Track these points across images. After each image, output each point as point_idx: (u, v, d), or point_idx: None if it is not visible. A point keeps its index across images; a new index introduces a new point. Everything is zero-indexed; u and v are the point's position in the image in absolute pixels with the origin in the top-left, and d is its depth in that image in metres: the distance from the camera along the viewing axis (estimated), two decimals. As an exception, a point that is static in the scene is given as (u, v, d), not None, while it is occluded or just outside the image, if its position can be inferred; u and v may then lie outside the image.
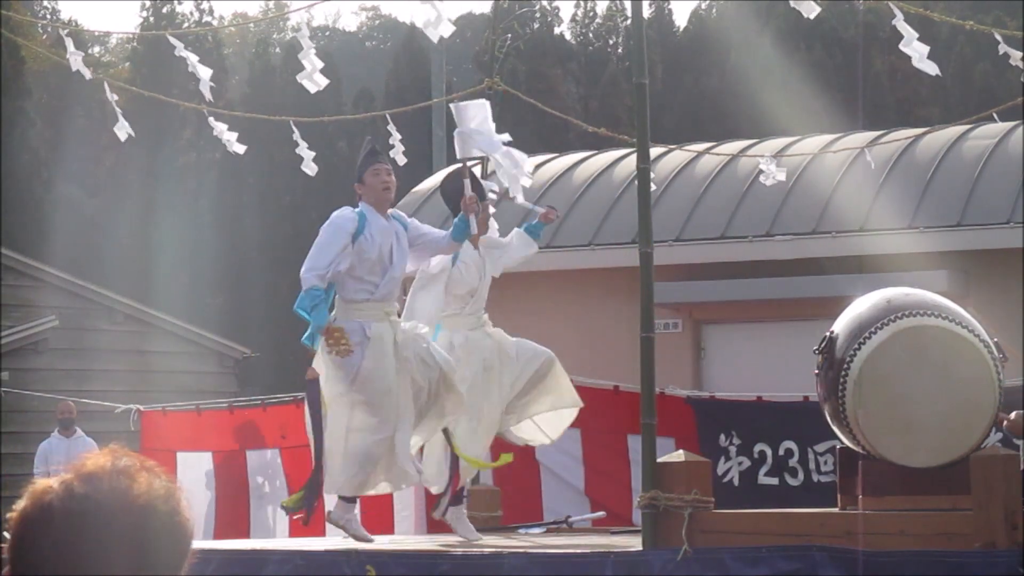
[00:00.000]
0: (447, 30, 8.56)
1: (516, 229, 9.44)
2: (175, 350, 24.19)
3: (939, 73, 9.09)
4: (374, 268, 8.21)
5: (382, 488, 8.52)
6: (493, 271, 9.21)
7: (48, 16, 48.58)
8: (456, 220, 8.55)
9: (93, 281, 24.78)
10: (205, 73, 10.18)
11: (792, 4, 8.35)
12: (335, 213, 8.29)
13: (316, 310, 7.94)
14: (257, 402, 13.15)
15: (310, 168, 11.07)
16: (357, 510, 8.44)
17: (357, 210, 8.28)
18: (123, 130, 10.58)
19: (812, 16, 8.46)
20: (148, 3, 45.89)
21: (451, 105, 8.74)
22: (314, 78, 9.69)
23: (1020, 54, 9.57)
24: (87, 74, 10.34)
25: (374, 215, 8.26)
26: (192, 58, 10.14)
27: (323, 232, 8.19)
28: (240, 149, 10.78)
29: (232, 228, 41.33)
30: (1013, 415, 8.00)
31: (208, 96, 10.24)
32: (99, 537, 2.10)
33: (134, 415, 12.68)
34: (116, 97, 10.67)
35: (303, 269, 8.04)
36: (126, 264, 36.15)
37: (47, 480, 2.16)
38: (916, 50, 8.90)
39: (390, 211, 8.43)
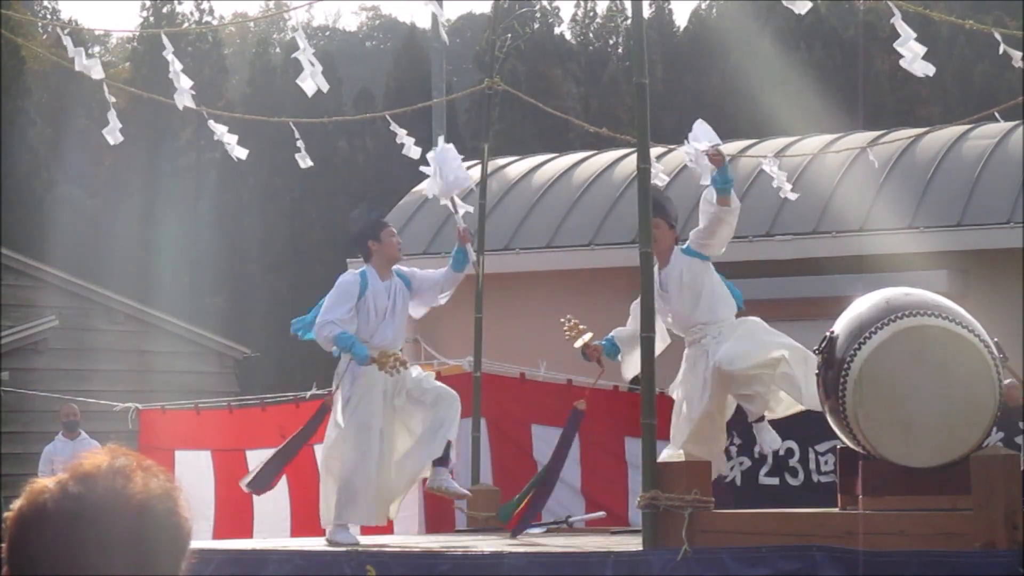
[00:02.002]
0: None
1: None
2: (175, 350, 24.19)
3: (929, 74, 9.09)
4: (370, 323, 8.97)
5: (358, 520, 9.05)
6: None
7: (48, 16, 48.58)
8: (454, 252, 9.28)
9: (93, 281, 24.77)
10: (186, 83, 10.10)
11: (784, 3, 8.38)
12: (341, 278, 9.10)
13: (355, 347, 8.79)
14: (256, 401, 13.14)
15: (304, 161, 11.07)
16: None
17: (360, 271, 9.11)
18: (113, 134, 10.50)
19: (803, 12, 8.50)
20: (148, 3, 45.88)
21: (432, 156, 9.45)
22: (313, 79, 9.69)
23: (1020, 54, 9.58)
24: (98, 73, 10.24)
25: (375, 276, 9.04)
26: (176, 65, 10.06)
27: (332, 294, 9.01)
28: (242, 154, 10.73)
29: (232, 228, 41.32)
30: (1007, 381, 7.96)
31: (180, 106, 10.20)
32: (94, 537, 2.09)
33: (132, 413, 12.66)
34: (115, 99, 10.61)
35: (318, 323, 8.90)
36: (126, 264, 36.14)
37: (44, 480, 2.15)
38: (912, 50, 8.90)
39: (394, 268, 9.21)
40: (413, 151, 11.03)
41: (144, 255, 38.35)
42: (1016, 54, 9.60)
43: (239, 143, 10.67)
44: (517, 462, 11.69)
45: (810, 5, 8.45)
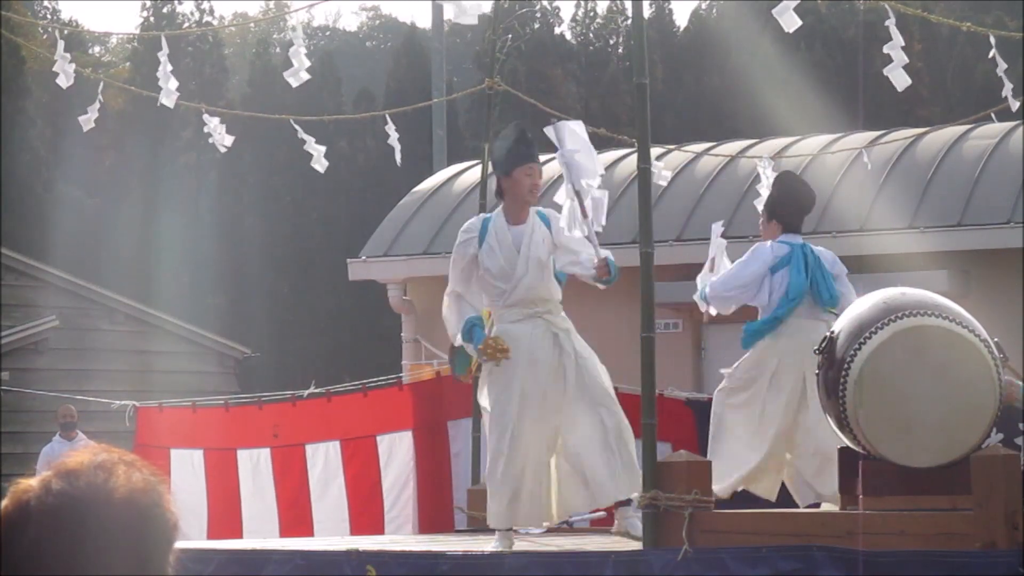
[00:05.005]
0: (472, 17, 8.65)
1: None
2: (175, 350, 24.21)
3: (900, 88, 9.20)
4: (501, 275, 7.99)
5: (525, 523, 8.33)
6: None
7: (48, 16, 48.58)
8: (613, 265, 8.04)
9: (93, 281, 24.80)
10: (172, 84, 10.21)
11: (775, 14, 8.44)
12: (461, 232, 8.13)
13: (473, 334, 7.90)
14: (253, 400, 13.12)
15: (320, 164, 11.11)
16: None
17: (482, 217, 8.15)
18: (87, 122, 10.62)
19: (791, 30, 8.59)
20: (148, 3, 45.89)
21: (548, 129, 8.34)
22: (299, 75, 9.77)
23: (1006, 65, 9.70)
24: (67, 80, 10.34)
25: (501, 221, 8.03)
26: (167, 66, 10.15)
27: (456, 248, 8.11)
28: (228, 141, 10.82)
29: (232, 228, 41.32)
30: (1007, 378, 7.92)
31: (159, 102, 10.29)
32: (78, 532, 2.09)
33: (130, 411, 12.65)
34: (102, 99, 10.68)
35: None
36: (126, 264, 36.17)
37: (27, 480, 2.16)
38: (898, 56, 8.98)
39: (533, 208, 8.16)
40: (397, 156, 11.12)
41: (144, 255, 38.37)
42: (1002, 64, 9.71)
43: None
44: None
45: (799, 23, 8.54)
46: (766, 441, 8.77)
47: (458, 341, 8.13)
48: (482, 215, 8.30)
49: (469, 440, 10.85)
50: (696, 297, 9.36)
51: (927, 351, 6.93)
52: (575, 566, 7.10)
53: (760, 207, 11.06)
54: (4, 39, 29.10)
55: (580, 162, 7.99)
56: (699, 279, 9.54)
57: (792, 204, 8.96)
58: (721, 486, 8.75)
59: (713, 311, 9.28)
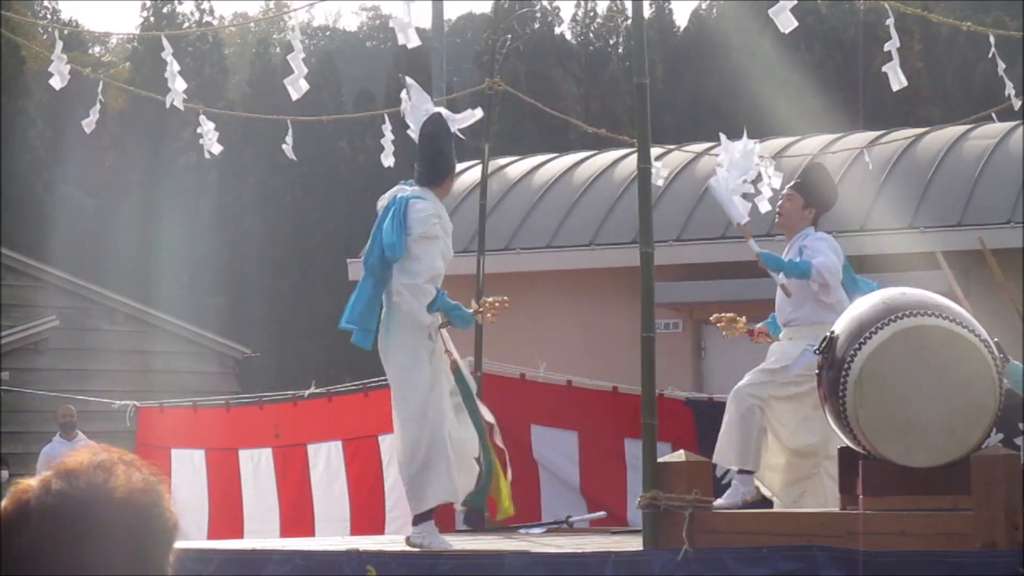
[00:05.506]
0: (414, 40, 8.79)
1: None
2: (175, 350, 24.22)
3: (900, 87, 9.25)
4: (446, 260, 8.14)
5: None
6: None
7: (48, 16, 48.58)
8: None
9: (93, 281, 24.80)
10: (180, 85, 10.21)
11: (771, 14, 8.46)
12: (418, 210, 7.99)
13: (455, 309, 8.00)
14: (254, 399, 13.12)
15: (290, 153, 11.18)
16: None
17: (431, 199, 8.09)
18: (90, 125, 10.63)
19: (787, 31, 8.61)
20: (148, 3, 45.89)
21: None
22: (298, 84, 9.77)
23: (1004, 65, 9.72)
24: (62, 81, 10.33)
25: (441, 206, 8.16)
26: (174, 67, 10.15)
27: (424, 234, 7.94)
28: (216, 149, 10.85)
29: (232, 228, 41.32)
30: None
31: (167, 104, 10.29)
32: (77, 532, 2.09)
33: (131, 411, 12.65)
34: (103, 99, 10.66)
35: (421, 280, 7.85)
36: (126, 264, 36.16)
37: (27, 480, 2.16)
38: (895, 56, 9.01)
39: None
40: (389, 158, 11.12)
41: (144, 255, 38.37)
42: (1001, 64, 9.73)
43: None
44: (517, 462, 11.68)
45: (795, 24, 8.56)
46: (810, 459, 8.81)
47: (427, 319, 7.95)
48: (426, 197, 8.10)
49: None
50: (772, 264, 9.09)
51: (927, 351, 6.93)
52: (575, 566, 7.10)
53: (760, 205, 11.06)
54: (4, 39, 29.11)
55: (424, 109, 8.36)
56: (752, 242, 9.30)
57: (826, 198, 9.27)
58: (752, 487, 8.83)
59: (815, 288, 8.93)
